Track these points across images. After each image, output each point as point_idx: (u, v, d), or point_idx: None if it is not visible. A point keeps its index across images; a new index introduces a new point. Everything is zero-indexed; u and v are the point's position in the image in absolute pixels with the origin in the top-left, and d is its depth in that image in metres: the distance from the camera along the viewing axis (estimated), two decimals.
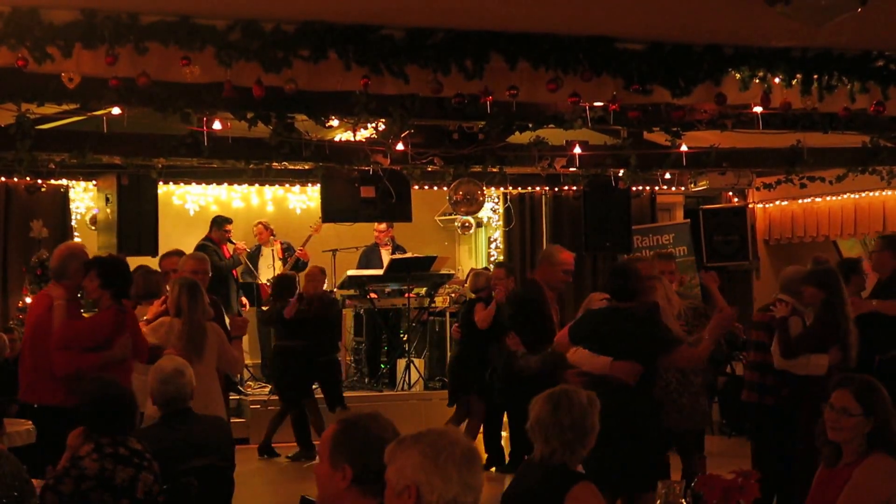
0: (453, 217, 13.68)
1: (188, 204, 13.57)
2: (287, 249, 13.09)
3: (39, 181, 11.46)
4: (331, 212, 10.61)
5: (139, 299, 7.62)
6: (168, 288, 7.41)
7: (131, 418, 5.20)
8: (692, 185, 13.27)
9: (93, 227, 11.49)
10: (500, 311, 9.77)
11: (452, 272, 13.65)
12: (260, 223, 13.20)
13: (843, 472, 4.51)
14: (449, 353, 12.18)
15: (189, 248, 12.81)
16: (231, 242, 12.49)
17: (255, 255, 12.92)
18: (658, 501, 4.36)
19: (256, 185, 12.79)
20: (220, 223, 12.52)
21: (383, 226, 12.92)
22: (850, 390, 4.55)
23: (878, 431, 4.46)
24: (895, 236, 8.99)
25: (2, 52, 6.79)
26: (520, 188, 12.83)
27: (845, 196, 12.86)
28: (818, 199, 13.26)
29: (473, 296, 10.37)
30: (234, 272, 12.56)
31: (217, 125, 8.93)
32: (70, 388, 6.61)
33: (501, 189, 12.66)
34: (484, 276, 10.41)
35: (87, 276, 6.82)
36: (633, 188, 12.21)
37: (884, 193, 12.38)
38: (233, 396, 12.23)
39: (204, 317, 7.17)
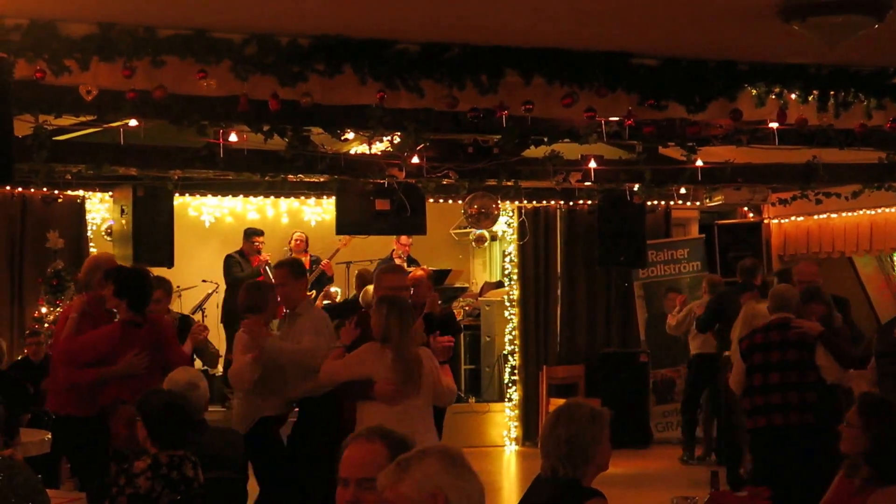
0: (468, 230, 13.68)
1: (204, 215, 13.62)
2: (314, 262, 13.07)
3: (56, 192, 11.51)
4: (345, 224, 10.60)
5: (243, 312, 6.97)
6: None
7: (191, 430, 5.27)
8: (707, 201, 13.24)
9: (108, 238, 11.52)
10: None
11: (466, 285, 13.65)
12: (302, 233, 13.15)
13: (853, 499, 4.49)
14: (463, 366, 12.06)
15: (204, 260, 12.93)
16: (259, 254, 12.50)
17: None
18: None
19: (272, 197, 12.81)
20: (248, 235, 12.60)
21: (409, 239, 12.89)
22: (859, 403, 4.61)
23: (888, 459, 4.43)
24: None
25: (20, 65, 6.83)
26: (534, 202, 12.82)
27: (861, 212, 12.80)
28: (833, 216, 13.20)
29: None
30: None
31: (233, 137, 8.95)
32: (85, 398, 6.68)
33: (516, 203, 12.65)
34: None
35: (105, 286, 6.82)
36: (648, 203, 12.18)
37: None
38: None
39: (417, 342, 6.31)
